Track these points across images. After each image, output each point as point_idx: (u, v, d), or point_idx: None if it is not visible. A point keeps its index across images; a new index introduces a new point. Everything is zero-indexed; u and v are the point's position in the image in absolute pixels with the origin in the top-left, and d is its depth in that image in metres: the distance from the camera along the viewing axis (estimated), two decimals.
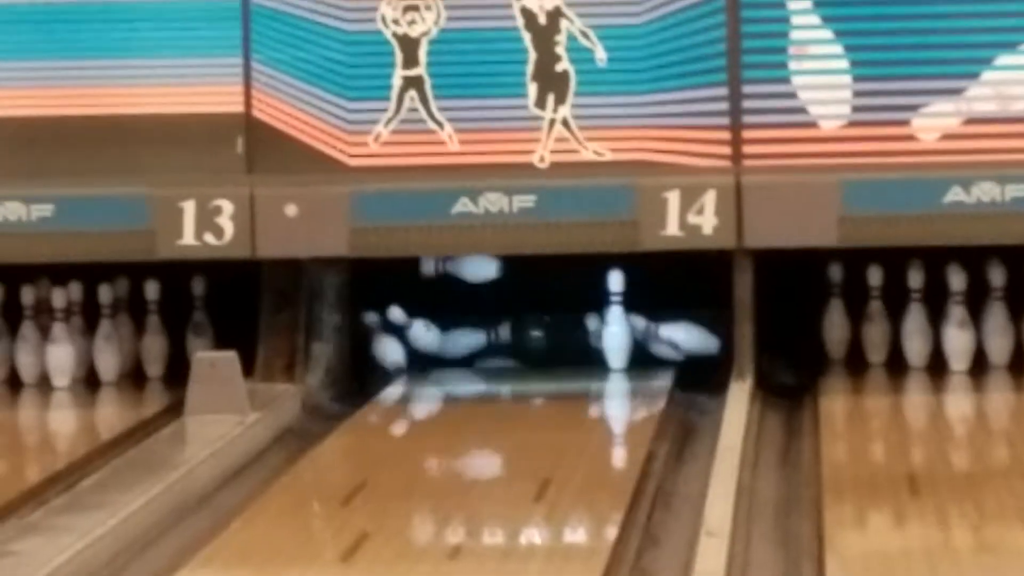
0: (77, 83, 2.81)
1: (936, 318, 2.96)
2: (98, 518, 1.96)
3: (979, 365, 2.96)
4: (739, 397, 2.61)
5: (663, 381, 2.80)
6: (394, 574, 1.74)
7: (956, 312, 2.88)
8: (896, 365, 2.87)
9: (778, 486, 2.38)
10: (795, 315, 2.83)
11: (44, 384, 2.89)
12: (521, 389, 2.86)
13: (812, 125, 2.79)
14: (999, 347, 2.90)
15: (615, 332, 2.85)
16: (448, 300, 2.90)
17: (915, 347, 2.92)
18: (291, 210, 2.73)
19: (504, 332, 2.90)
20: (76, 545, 1.67)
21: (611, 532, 1.80)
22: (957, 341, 2.88)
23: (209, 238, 2.72)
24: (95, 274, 2.86)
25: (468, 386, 2.91)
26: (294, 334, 2.75)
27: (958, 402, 2.97)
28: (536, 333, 2.88)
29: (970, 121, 2.78)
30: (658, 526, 1.99)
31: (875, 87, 2.78)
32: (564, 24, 2.73)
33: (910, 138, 2.79)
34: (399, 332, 2.89)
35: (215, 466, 2.40)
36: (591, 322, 2.89)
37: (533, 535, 2.03)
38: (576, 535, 2.03)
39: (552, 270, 2.82)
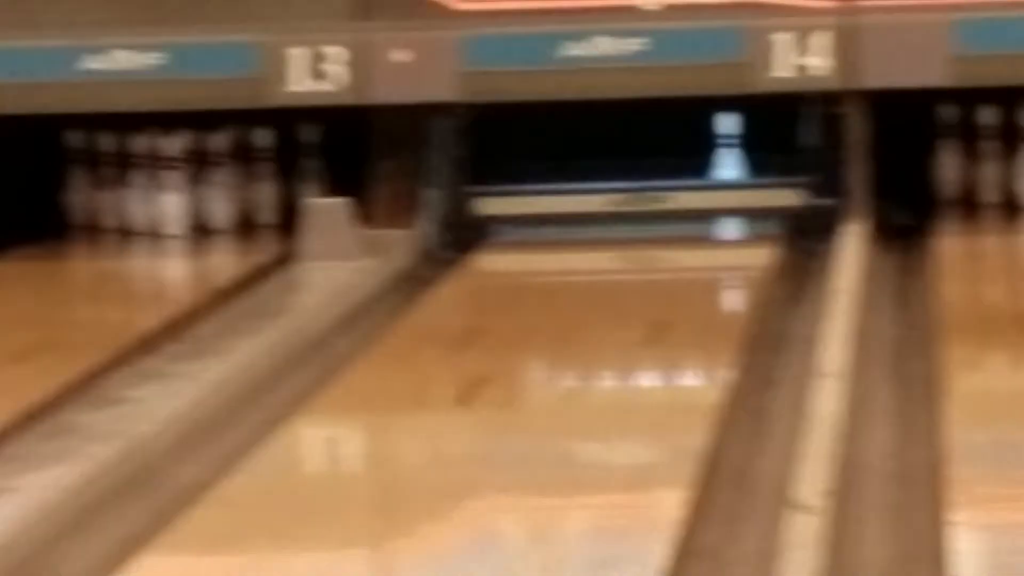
0: None
1: None
2: (213, 365, 2.15)
3: None
4: (853, 239, 2.68)
5: (775, 226, 2.86)
6: (510, 419, 1.93)
7: None
8: (1010, 206, 2.92)
9: (894, 327, 2.48)
10: (908, 157, 2.88)
11: (155, 233, 2.97)
12: (633, 233, 2.93)
13: None
14: None
15: (722, 174, 2.91)
16: (560, 147, 2.96)
17: None
18: (401, 55, 2.78)
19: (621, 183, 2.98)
20: (191, 391, 1.92)
21: (727, 374, 1.93)
22: None
23: (320, 84, 2.78)
24: (206, 122, 2.93)
25: (579, 232, 2.98)
26: (407, 180, 2.82)
27: None
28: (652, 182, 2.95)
29: None
30: (774, 368, 2.13)
31: None
32: None
33: None
34: (511, 178, 2.96)
35: (328, 312, 2.51)
36: (702, 167, 2.95)
37: (646, 378, 2.19)
38: (692, 379, 2.22)
39: (661, 115, 2.88)
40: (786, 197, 2.90)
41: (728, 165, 2.97)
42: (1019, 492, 1.34)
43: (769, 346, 2.32)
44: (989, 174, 2.87)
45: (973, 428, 1.57)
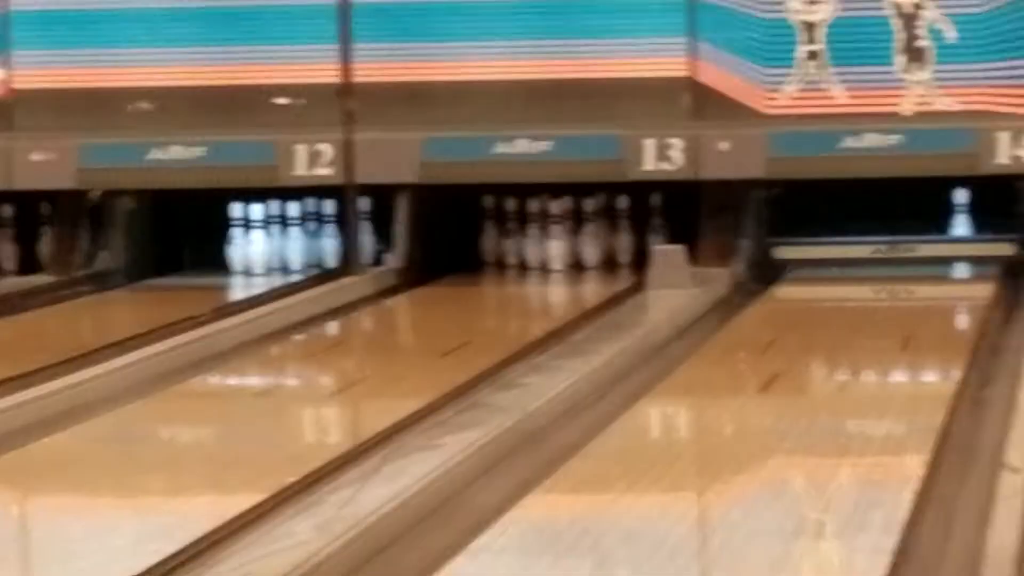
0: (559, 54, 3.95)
1: None
2: (583, 362, 2.85)
3: None
4: None
5: (993, 269, 3.88)
6: (797, 402, 2.60)
7: None
8: None
9: None
10: None
11: (544, 268, 4.06)
12: (890, 273, 3.93)
13: None
14: None
15: (955, 231, 3.96)
16: (839, 210, 3.99)
17: None
18: (723, 145, 3.86)
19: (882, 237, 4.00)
20: (568, 380, 2.53)
21: (957, 373, 2.58)
22: None
23: (664, 165, 3.85)
24: (582, 190, 4.02)
25: (850, 271, 4.01)
26: (726, 233, 3.86)
27: None
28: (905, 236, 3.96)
29: None
30: (992, 369, 2.78)
31: None
32: (924, 12, 3.78)
33: None
34: (802, 232, 4.01)
35: (667, 326, 3.41)
36: (942, 226, 3.97)
37: (897, 375, 2.91)
38: (931, 376, 2.90)
39: (912, 189, 3.90)
40: (1002, 248, 3.91)
41: (960, 225, 3.99)
42: None
43: (988, 353, 3.01)
44: None
45: None
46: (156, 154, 3.95)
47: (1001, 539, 1.40)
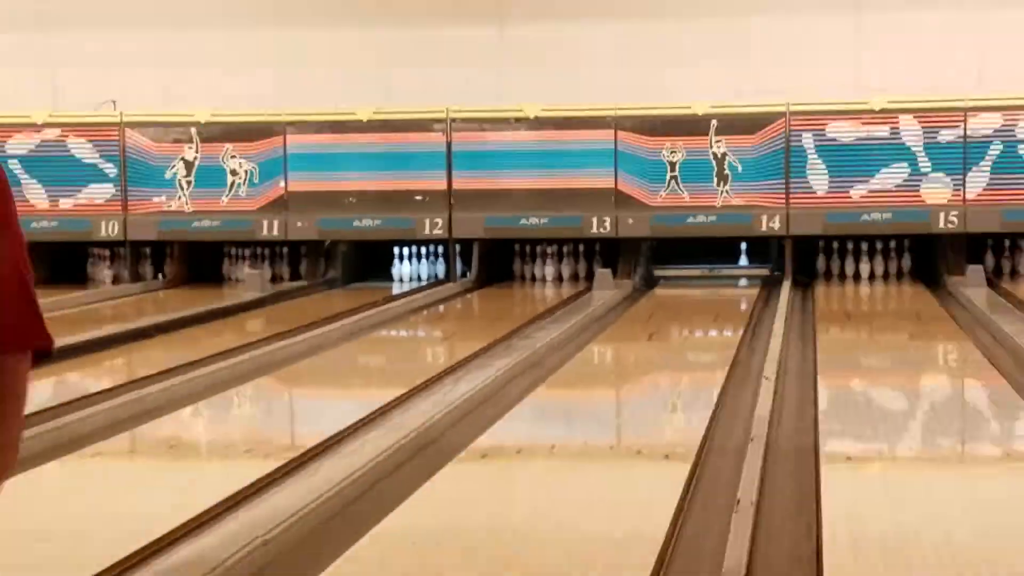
0: (553, 175, 8.00)
1: None
2: (561, 325, 7.16)
3: None
4: None
5: (758, 281, 7.70)
6: (665, 346, 6.32)
7: None
8: None
9: None
10: None
11: (543, 280, 8.15)
12: (712, 283, 7.84)
13: None
14: None
15: (743, 262, 7.86)
16: (686, 252, 7.91)
17: None
18: (630, 220, 7.84)
19: (706, 264, 7.90)
20: (552, 335, 5.51)
21: (740, 331, 6.61)
22: None
23: (602, 230, 7.86)
24: (561, 241, 8.09)
25: (692, 282, 7.93)
26: (631, 263, 7.86)
27: None
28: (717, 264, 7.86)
29: None
30: (758, 328, 6.73)
31: None
32: (727, 156, 7.63)
33: None
34: (667, 263, 8.00)
35: (603, 309, 7.55)
36: (735, 260, 7.86)
37: (712, 332, 6.88)
38: (728, 333, 6.89)
39: (719, 242, 7.77)
40: (762, 270, 7.79)
41: (743, 258, 7.86)
42: None
43: (757, 321, 6.62)
44: None
45: None
46: (358, 222, 8.23)
47: (761, 411, 3.04)
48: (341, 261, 8.45)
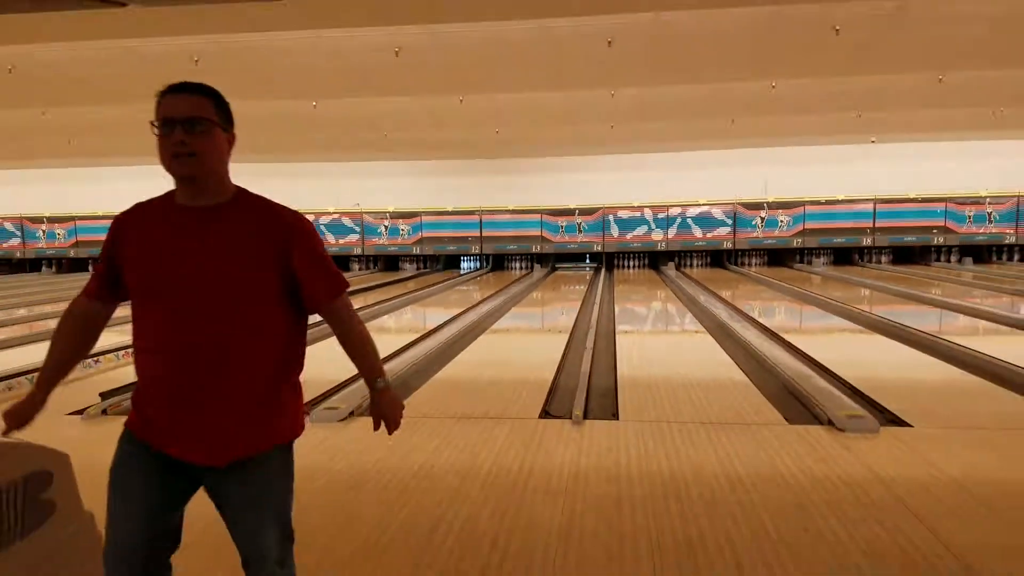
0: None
1: None
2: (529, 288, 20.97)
3: None
4: None
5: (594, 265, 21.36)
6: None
7: None
8: None
9: None
10: None
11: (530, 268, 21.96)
12: (583, 269, 21.54)
13: None
14: None
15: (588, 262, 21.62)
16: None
17: None
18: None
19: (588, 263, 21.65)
20: (509, 293, 20.61)
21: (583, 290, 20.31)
22: None
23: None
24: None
25: (578, 269, 21.69)
26: (548, 264, 21.52)
27: None
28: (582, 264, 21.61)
29: None
30: (593, 288, 20.42)
31: None
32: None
33: None
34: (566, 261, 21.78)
35: (539, 279, 21.38)
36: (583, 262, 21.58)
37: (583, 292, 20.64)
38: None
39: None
40: (595, 263, 21.43)
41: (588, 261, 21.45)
42: None
43: (592, 287, 20.50)
44: None
45: None
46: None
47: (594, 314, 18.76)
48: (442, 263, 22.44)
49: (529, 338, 11.74)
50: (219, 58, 9.68)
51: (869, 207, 20.46)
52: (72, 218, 22.99)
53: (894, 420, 5.36)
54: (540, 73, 11.32)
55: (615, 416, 5.61)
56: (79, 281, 20.96)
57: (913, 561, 3.15)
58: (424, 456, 4.69)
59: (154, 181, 2.57)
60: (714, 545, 3.34)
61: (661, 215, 21.00)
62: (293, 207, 2.17)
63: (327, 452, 4.74)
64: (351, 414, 5.69)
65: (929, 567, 3.10)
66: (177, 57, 9.55)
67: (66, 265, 23.99)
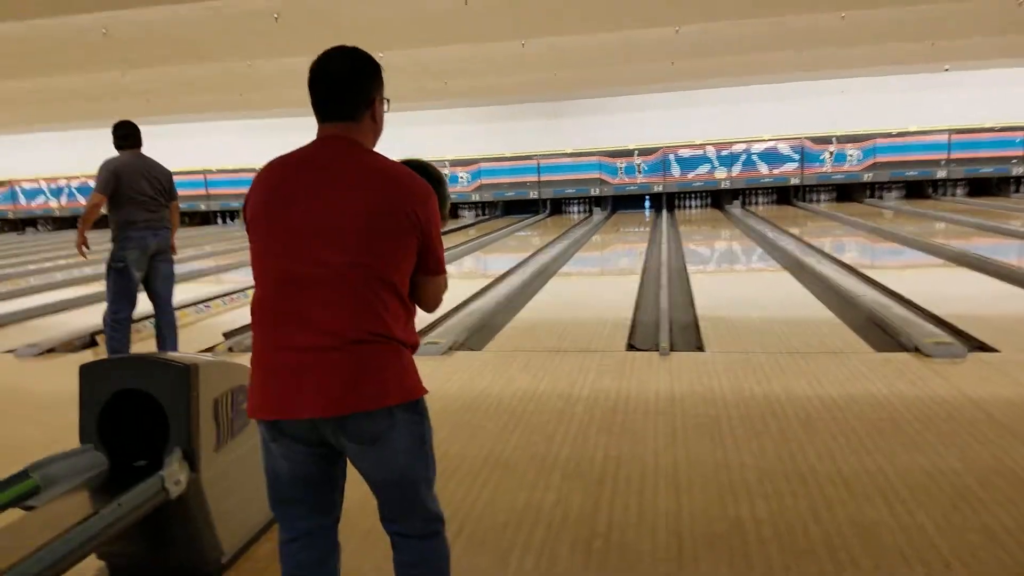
0: None
1: None
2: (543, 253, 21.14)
3: None
4: None
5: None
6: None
7: None
8: None
9: None
10: None
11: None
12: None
13: None
14: None
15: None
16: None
17: None
18: None
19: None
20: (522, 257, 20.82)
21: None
22: None
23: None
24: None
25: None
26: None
27: None
28: None
29: None
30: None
31: None
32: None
33: None
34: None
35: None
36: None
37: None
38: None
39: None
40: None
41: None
42: None
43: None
44: None
45: None
46: None
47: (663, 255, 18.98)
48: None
49: (599, 280, 12.04)
50: (296, 14, 10.03)
51: (943, 138, 20.04)
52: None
53: (981, 347, 5.54)
54: (602, 13, 11.39)
55: (700, 349, 5.90)
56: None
57: (1009, 469, 3.40)
58: (526, 383, 5.05)
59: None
60: (815, 456, 3.63)
61: (724, 152, 20.87)
62: None
63: (437, 381, 5.13)
64: (450, 348, 6.09)
65: (1023, 471, 3.36)
66: (259, 14, 9.92)
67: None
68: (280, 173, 1.98)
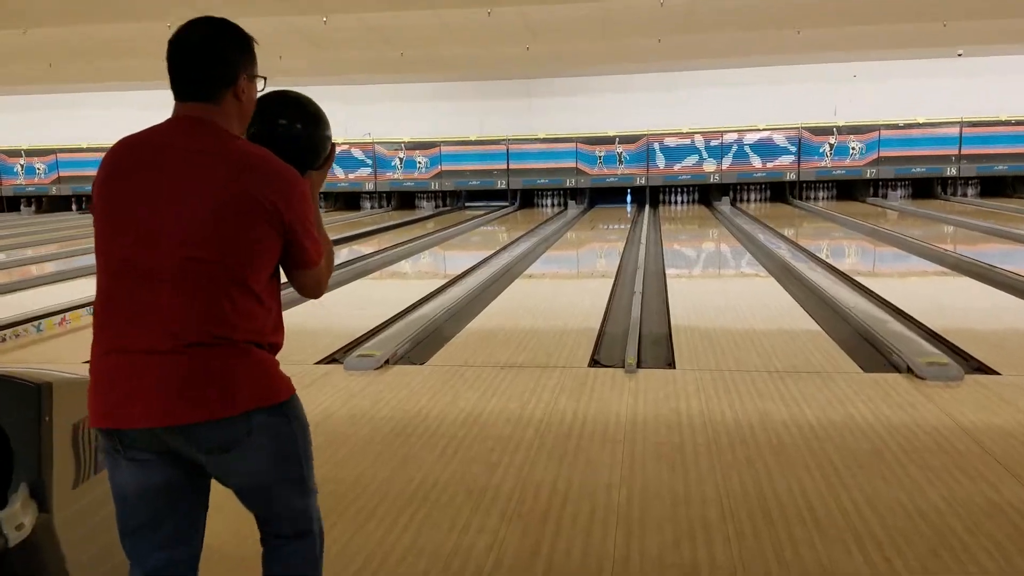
0: None
1: None
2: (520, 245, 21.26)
3: None
4: None
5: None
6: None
7: None
8: None
9: None
10: None
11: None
12: None
13: None
14: None
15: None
16: None
17: None
18: None
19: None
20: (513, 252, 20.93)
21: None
22: None
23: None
24: None
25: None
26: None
27: None
28: None
29: None
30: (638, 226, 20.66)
31: None
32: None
33: None
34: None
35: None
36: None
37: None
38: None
39: None
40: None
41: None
42: None
43: (628, 222, 20.74)
44: None
45: None
46: None
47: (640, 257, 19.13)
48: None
49: (568, 283, 12.04)
50: None
51: (954, 131, 20.34)
52: (52, 151, 23.49)
53: (980, 368, 5.60)
54: None
55: (671, 365, 5.90)
56: (63, 222, 21.10)
57: (999, 509, 3.42)
58: (471, 404, 5.01)
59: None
60: (785, 491, 3.63)
61: (714, 142, 21.00)
62: None
63: (365, 400, 5.07)
64: (386, 362, 6.02)
65: (1017, 515, 3.38)
66: None
67: (47, 204, 24.50)
68: (124, 154, 1.96)
